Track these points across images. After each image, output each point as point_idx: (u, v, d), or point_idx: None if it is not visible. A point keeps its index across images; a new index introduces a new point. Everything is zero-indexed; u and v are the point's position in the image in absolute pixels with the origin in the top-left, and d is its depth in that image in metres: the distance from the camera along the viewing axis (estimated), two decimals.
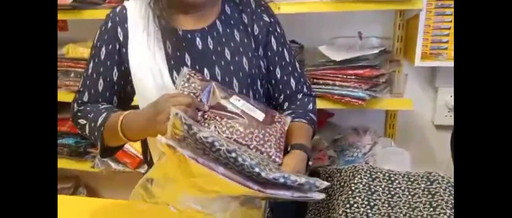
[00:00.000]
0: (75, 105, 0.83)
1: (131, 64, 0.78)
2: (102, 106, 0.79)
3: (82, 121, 0.79)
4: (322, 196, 0.60)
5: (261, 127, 0.68)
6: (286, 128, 0.73)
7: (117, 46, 0.79)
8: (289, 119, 0.77)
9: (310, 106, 0.87)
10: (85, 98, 0.81)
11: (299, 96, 0.88)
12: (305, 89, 0.89)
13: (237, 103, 0.70)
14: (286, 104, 0.88)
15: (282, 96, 0.89)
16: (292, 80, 0.87)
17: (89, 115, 0.78)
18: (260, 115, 0.70)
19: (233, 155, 0.54)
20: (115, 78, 0.80)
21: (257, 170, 0.54)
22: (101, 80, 0.80)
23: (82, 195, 1.87)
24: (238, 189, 0.56)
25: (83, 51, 1.46)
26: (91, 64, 0.81)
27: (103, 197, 1.93)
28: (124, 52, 0.79)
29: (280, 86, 0.88)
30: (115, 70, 0.80)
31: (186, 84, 0.70)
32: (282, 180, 0.56)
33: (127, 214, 0.83)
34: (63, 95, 1.53)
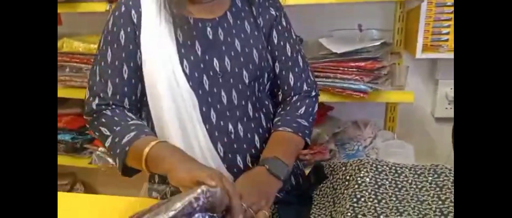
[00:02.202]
0: (97, 100, 0.75)
1: (142, 50, 0.75)
2: (131, 121, 0.73)
3: (104, 130, 0.73)
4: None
5: None
6: None
7: (134, 29, 0.76)
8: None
9: (302, 110, 0.83)
10: (109, 90, 0.75)
11: (295, 97, 0.85)
12: (305, 87, 0.86)
13: None
14: (281, 105, 0.86)
15: (280, 93, 0.87)
16: (291, 76, 0.85)
17: (115, 127, 0.72)
18: None
19: None
20: (139, 62, 0.76)
21: None
22: (125, 67, 0.76)
23: (79, 191, 1.85)
24: None
25: (78, 45, 1.43)
26: (109, 52, 0.76)
27: (101, 194, 1.91)
28: (138, 35, 0.76)
29: (278, 81, 0.86)
30: (139, 53, 0.76)
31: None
32: None
33: (125, 210, 0.81)
34: (59, 91, 1.50)
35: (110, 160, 1.52)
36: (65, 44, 1.44)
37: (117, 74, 0.76)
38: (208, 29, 0.78)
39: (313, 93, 0.87)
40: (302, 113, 0.83)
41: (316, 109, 0.87)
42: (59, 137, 1.59)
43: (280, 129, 0.80)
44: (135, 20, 0.76)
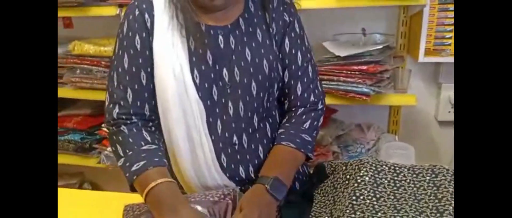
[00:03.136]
0: (117, 109, 0.76)
1: (154, 56, 0.76)
2: (144, 146, 0.75)
3: (119, 150, 0.75)
4: None
5: None
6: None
7: (148, 34, 0.76)
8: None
9: (307, 124, 0.83)
10: (129, 97, 0.76)
11: (301, 109, 0.84)
12: (312, 98, 0.84)
13: None
14: (287, 116, 0.86)
15: (286, 102, 0.86)
16: (299, 86, 0.83)
17: (127, 151, 0.74)
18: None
19: None
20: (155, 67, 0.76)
21: None
22: (143, 73, 0.76)
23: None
24: None
25: (89, 48, 1.47)
26: (126, 58, 0.76)
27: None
28: (151, 41, 0.76)
29: (286, 90, 0.84)
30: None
31: None
32: None
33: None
34: (69, 92, 1.55)
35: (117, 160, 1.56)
36: (76, 47, 1.49)
37: (135, 80, 0.76)
38: (220, 37, 0.77)
39: (320, 106, 0.86)
40: (306, 127, 0.83)
41: (321, 122, 0.86)
42: (69, 137, 1.63)
43: (283, 142, 0.80)
44: (148, 25, 0.76)
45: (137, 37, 0.76)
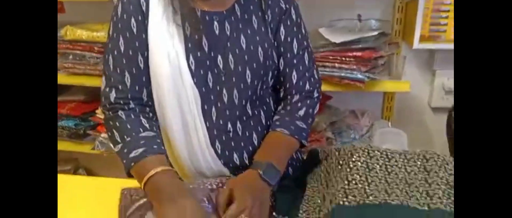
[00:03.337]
0: (114, 93, 0.75)
1: (150, 41, 0.74)
2: (143, 132, 0.73)
3: (116, 135, 0.74)
4: None
5: None
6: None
7: (144, 18, 0.75)
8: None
9: (302, 112, 0.82)
10: (128, 81, 0.75)
11: (296, 97, 0.84)
12: (307, 87, 0.84)
13: None
14: (282, 104, 0.86)
15: (282, 90, 0.86)
16: (294, 74, 0.83)
17: (126, 137, 0.72)
18: None
19: None
20: None
21: None
22: (140, 56, 0.75)
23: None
24: None
25: (81, 33, 1.45)
26: (121, 40, 0.74)
27: None
28: (146, 24, 0.75)
29: (282, 78, 0.84)
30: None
31: None
32: None
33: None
34: (62, 78, 1.54)
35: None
36: (68, 32, 1.46)
37: (133, 64, 0.75)
38: (215, 23, 0.77)
39: (315, 94, 0.86)
40: (302, 115, 0.83)
41: (316, 110, 0.86)
42: (63, 123, 1.62)
43: (277, 129, 0.80)
44: (143, 8, 0.75)
45: (133, 20, 0.75)
